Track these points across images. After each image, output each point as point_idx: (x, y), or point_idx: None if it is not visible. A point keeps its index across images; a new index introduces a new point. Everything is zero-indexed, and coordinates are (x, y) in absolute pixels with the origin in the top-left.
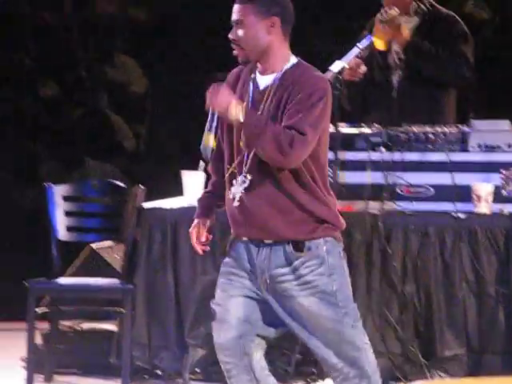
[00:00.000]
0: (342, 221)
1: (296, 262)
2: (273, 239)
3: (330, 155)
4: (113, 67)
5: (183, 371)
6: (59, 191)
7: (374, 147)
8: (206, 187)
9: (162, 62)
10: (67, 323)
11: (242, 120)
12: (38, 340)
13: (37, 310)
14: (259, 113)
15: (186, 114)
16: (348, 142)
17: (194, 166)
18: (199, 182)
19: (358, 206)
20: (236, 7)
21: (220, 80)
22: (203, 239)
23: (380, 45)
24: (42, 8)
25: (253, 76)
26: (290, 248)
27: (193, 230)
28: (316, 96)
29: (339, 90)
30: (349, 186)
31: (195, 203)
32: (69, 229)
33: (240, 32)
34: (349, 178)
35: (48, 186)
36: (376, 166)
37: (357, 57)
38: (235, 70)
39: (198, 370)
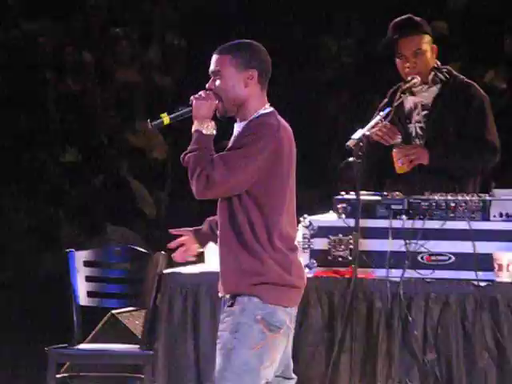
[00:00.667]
0: (286, 279)
1: (221, 317)
2: (223, 293)
3: (352, 222)
4: (134, 133)
5: None
6: (80, 257)
7: (395, 215)
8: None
9: (182, 127)
10: None
11: (203, 132)
12: None
13: (57, 376)
14: None
15: None
16: (369, 210)
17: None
18: None
19: (379, 273)
20: (214, 57)
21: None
22: (186, 247)
23: (400, 170)
24: (65, 74)
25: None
26: (226, 303)
27: (189, 232)
28: (247, 139)
29: (361, 157)
30: (370, 254)
31: (216, 269)
32: (89, 294)
33: (218, 83)
34: (370, 245)
35: (69, 252)
36: (397, 233)
37: (376, 125)
38: None
39: None
